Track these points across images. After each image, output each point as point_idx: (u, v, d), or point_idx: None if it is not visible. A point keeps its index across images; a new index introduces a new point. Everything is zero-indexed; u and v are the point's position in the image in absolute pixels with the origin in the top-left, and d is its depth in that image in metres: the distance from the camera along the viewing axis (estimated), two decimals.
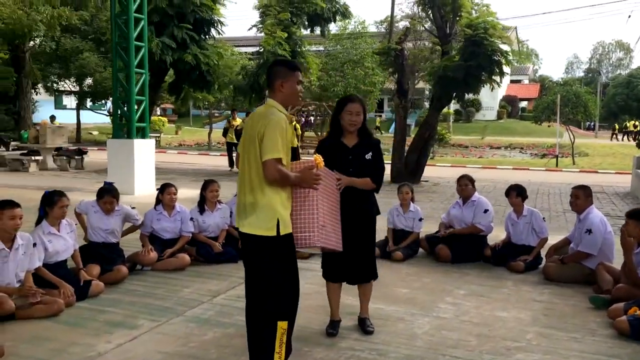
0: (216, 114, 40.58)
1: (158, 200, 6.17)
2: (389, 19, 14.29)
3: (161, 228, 6.08)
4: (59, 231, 5.02)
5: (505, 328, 4.52)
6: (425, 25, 14.96)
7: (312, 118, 27.10)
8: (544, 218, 6.42)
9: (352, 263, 4.15)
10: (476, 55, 12.37)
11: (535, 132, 36.82)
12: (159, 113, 44.96)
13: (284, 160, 3.28)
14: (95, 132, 34.77)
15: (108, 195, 5.62)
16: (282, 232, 3.28)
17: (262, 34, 15.46)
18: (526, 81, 60.53)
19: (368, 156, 4.13)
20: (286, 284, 3.35)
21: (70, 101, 37.36)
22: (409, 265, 6.41)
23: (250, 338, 3.44)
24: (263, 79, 14.01)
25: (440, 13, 13.89)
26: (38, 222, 5.02)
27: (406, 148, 14.36)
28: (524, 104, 53.37)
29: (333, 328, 4.27)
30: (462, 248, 6.51)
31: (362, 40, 26.75)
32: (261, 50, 14.94)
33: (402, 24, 25.01)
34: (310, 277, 5.62)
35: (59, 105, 39.10)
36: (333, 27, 29.06)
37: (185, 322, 4.47)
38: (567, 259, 5.83)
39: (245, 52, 23.16)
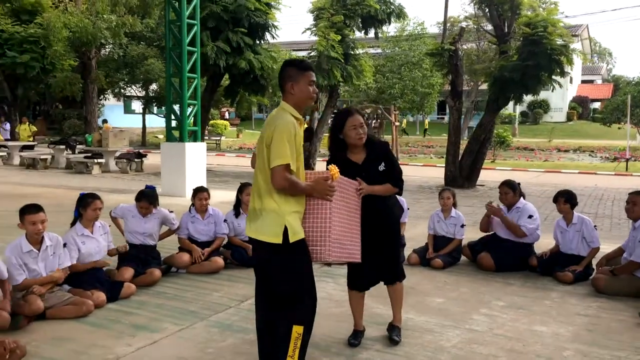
0: None
1: (193, 204, 6.21)
2: (450, 19, 13.96)
3: (195, 231, 6.11)
4: (92, 233, 5.12)
5: (541, 344, 4.23)
6: (483, 25, 14.48)
7: (372, 121, 26.98)
8: (595, 226, 6.01)
9: (377, 266, 3.98)
10: (534, 55, 11.87)
11: (607, 134, 35.15)
12: (226, 117, 46.05)
13: (293, 166, 3.16)
14: (160, 136, 35.84)
15: (145, 200, 5.70)
16: (291, 240, 3.17)
17: (316, 37, 15.41)
18: (599, 81, 57.88)
19: (381, 167, 3.93)
20: (300, 290, 3.25)
21: (138, 106, 38.86)
22: (449, 273, 6.16)
23: (260, 345, 3.38)
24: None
25: (497, 11, 13.43)
26: (73, 224, 5.14)
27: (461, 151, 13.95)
28: (596, 105, 51.01)
29: (355, 338, 4.11)
30: (506, 256, 6.19)
31: (421, 41, 26.24)
32: (313, 53, 14.91)
33: (464, 25, 24.37)
34: (337, 283, 5.49)
35: (128, 109, 40.63)
36: (392, 29, 28.91)
37: (208, 327, 4.44)
38: (619, 269, 5.43)
39: (302, 56, 23.24)
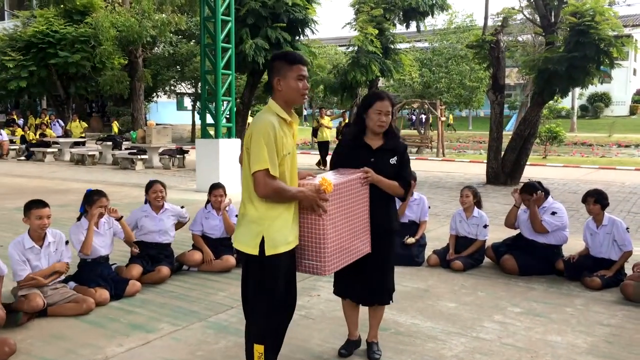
0: (328, 113, 40.98)
1: (208, 200, 6.15)
2: (504, 9, 13.38)
3: (210, 227, 6.05)
4: (97, 228, 5.12)
5: (553, 355, 3.93)
6: (528, 15, 13.88)
7: (422, 116, 26.48)
8: (627, 228, 5.58)
9: (364, 281, 3.70)
10: (581, 46, 11.21)
11: None
12: None
13: (273, 170, 2.92)
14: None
15: (156, 184, 5.69)
16: (267, 253, 2.97)
17: (357, 32, 15.18)
18: None
19: (393, 161, 3.67)
20: (265, 306, 3.06)
21: (190, 103, 39.60)
22: (468, 276, 5.87)
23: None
24: (352, 76, 13.78)
25: (543, 1, 12.80)
26: (79, 219, 5.16)
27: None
28: None
29: (346, 348, 3.88)
30: (531, 259, 5.85)
31: (470, 33, 25.39)
32: (351, 48, 14.70)
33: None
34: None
35: (180, 107, 41.45)
36: (439, 22, 28.20)
37: (204, 328, 4.36)
38: None
39: (343, 52, 23.03)
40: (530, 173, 14.93)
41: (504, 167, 13.28)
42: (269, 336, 3.11)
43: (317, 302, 4.95)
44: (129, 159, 16.71)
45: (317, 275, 3.34)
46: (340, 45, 25.45)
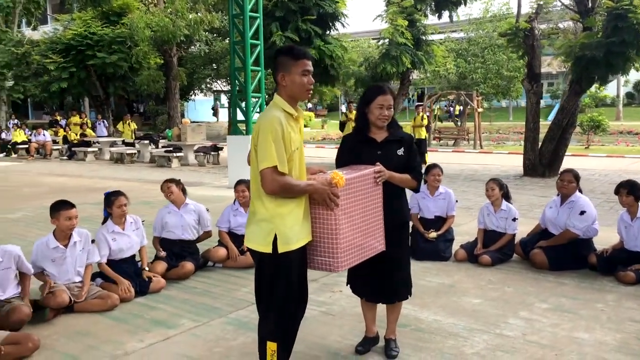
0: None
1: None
2: None
3: (237, 224, 6.07)
4: (123, 229, 5.19)
5: (579, 353, 3.79)
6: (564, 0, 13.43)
7: (460, 108, 26.07)
8: None
9: (379, 279, 3.63)
10: (619, 30, 10.80)
11: None
12: (309, 107, 46.44)
13: (282, 167, 2.88)
14: (243, 128, 36.73)
15: (169, 183, 5.78)
16: (280, 250, 2.94)
17: (387, 24, 15.01)
18: None
19: (400, 152, 3.59)
20: (279, 304, 3.03)
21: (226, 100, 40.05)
22: (496, 271, 5.72)
23: None
24: (381, 68, 13.64)
25: None
26: (104, 222, 5.24)
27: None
28: None
29: (363, 345, 3.83)
30: (561, 253, 5.66)
31: (507, 22, 24.66)
32: (381, 40, 14.55)
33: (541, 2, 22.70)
34: None
35: (219, 104, 41.96)
36: (475, 11, 27.56)
37: (224, 325, 4.38)
38: None
39: (375, 45, 22.80)
40: (569, 164, 14.51)
41: (542, 158, 12.95)
42: (281, 333, 3.08)
43: (338, 298, 4.91)
44: (165, 156, 16.99)
45: (329, 272, 3.29)
46: (373, 38, 25.20)
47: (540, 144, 13.15)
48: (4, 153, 21.53)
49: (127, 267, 5.15)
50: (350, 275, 3.79)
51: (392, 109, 3.61)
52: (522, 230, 6.34)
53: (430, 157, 17.87)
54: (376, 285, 3.67)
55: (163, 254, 5.62)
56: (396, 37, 13.59)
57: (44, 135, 20.94)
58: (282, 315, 3.07)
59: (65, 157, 20.29)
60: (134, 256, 5.33)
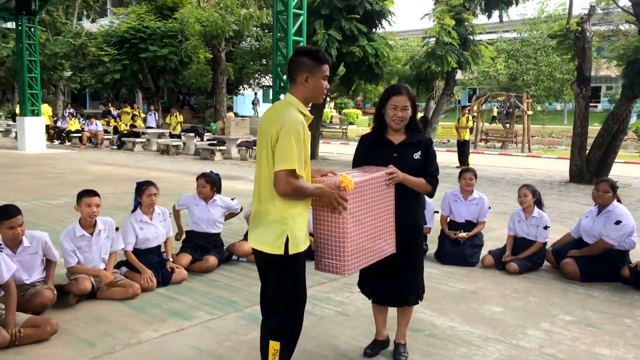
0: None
1: None
2: None
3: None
4: (151, 219, 5.32)
5: None
6: (618, 2, 12.89)
7: (510, 110, 25.44)
8: None
9: (389, 282, 3.58)
10: None
11: None
12: (357, 105, 46.30)
13: (300, 171, 2.87)
14: None
15: (202, 178, 5.85)
16: (291, 252, 2.92)
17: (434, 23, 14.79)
18: None
19: (416, 156, 3.53)
20: (288, 305, 3.03)
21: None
22: (523, 279, 5.56)
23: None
24: (425, 67, 13.45)
25: None
26: (133, 211, 5.37)
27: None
28: None
29: (372, 348, 3.80)
30: (594, 264, 5.45)
31: (558, 23, 23.83)
32: (427, 40, 14.35)
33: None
34: None
35: (266, 99, 42.35)
36: (530, 11, 26.69)
37: (238, 319, 4.42)
38: None
39: (424, 43, 22.50)
40: (620, 171, 13.99)
41: (589, 165, 12.52)
42: (286, 334, 3.08)
43: (355, 299, 4.88)
44: (209, 149, 17.28)
45: (337, 275, 3.27)
46: (423, 37, 24.92)
47: (588, 149, 12.71)
48: (59, 141, 22.35)
49: (152, 257, 5.26)
50: (360, 277, 3.77)
51: (409, 111, 3.54)
52: (554, 237, 6.13)
53: (475, 159, 17.56)
54: (385, 289, 3.63)
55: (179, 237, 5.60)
56: (442, 36, 13.36)
57: (96, 124, 21.63)
58: (290, 316, 3.06)
59: (115, 147, 20.91)
60: (159, 247, 5.44)
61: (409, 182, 3.47)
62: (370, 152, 3.62)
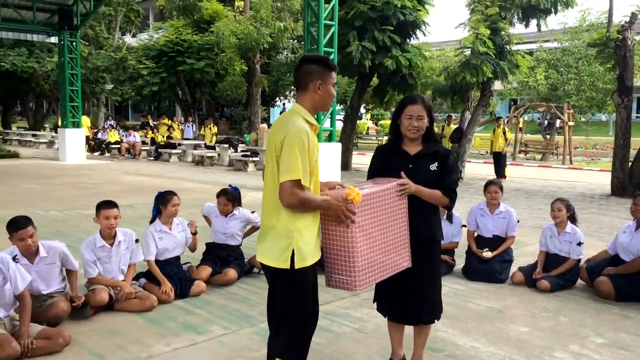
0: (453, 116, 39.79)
1: None
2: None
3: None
4: (170, 229, 5.29)
5: None
6: None
7: (551, 121, 24.80)
8: None
9: (405, 299, 3.43)
10: None
11: None
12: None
13: (305, 181, 2.78)
14: None
15: (223, 196, 5.81)
16: (297, 266, 2.83)
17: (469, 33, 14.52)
18: None
19: (433, 167, 3.38)
20: (293, 321, 2.92)
21: None
22: (554, 297, 5.30)
23: None
24: (460, 78, 13.21)
25: None
26: (152, 221, 5.36)
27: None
28: None
29: None
30: (629, 283, 5.16)
31: (598, 32, 23.03)
32: (462, 50, 14.10)
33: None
34: None
35: None
36: (571, 20, 25.95)
37: (252, 334, 4.32)
38: None
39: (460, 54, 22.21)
40: None
41: (632, 178, 12.03)
42: (293, 351, 2.97)
43: (375, 315, 4.66)
44: (242, 160, 17.35)
45: (348, 291, 3.14)
46: (458, 47, 24.62)
47: (631, 162, 12.22)
48: (99, 152, 22.85)
49: (171, 268, 5.22)
50: (376, 293, 3.62)
51: (425, 120, 3.40)
52: (590, 253, 5.85)
53: (513, 171, 17.13)
54: (399, 306, 3.48)
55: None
56: (477, 46, 13.10)
57: (134, 136, 22.04)
58: (296, 333, 2.95)
59: (152, 158, 21.24)
60: (178, 258, 5.40)
61: (423, 194, 3.33)
62: (385, 163, 3.50)
